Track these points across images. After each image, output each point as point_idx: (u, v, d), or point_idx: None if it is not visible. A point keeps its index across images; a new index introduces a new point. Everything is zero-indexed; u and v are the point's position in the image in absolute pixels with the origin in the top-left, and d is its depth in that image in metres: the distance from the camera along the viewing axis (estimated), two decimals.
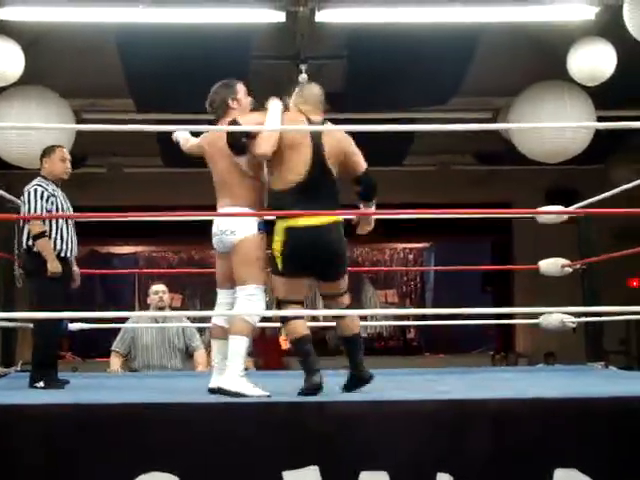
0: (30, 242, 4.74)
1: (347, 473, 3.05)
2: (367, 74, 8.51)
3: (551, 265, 6.16)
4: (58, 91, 8.85)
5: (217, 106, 4.32)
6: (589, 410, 3.23)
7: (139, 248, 14.09)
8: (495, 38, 8.46)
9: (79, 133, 8.82)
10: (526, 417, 3.18)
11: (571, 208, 6.00)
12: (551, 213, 5.87)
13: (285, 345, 12.86)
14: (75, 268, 5.06)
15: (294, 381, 4.43)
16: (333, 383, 4.75)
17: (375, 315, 12.42)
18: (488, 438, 3.11)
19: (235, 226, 4.02)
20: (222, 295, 4.21)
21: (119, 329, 6.46)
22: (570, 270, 6.20)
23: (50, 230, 4.76)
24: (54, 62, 9.05)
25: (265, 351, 12.13)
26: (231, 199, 4.10)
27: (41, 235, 4.69)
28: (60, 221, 4.81)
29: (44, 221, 4.74)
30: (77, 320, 5.78)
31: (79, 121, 9.29)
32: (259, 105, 4.51)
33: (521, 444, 3.12)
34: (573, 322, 5.98)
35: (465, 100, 9.43)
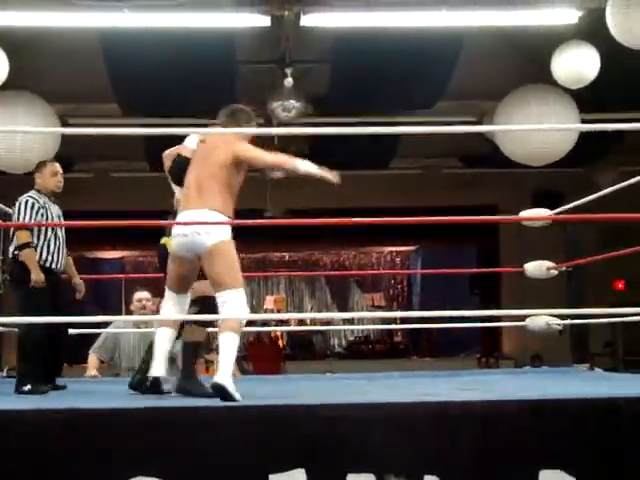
0: (17, 251, 4.78)
1: (334, 475, 3.05)
2: (352, 78, 8.54)
3: (536, 267, 6.18)
4: (43, 96, 8.83)
5: (229, 123, 4.26)
6: (574, 411, 3.25)
7: (126, 253, 14.06)
8: (480, 42, 8.50)
9: (65, 138, 8.82)
10: (511, 418, 3.19)
11: (557, 210, 6.02)
12: (532, 219, 5.89)
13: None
14: (77, 279, 5.13)
15: (289, 385, 4.46)
16: (312, 386, 4.78)
17: (362, 318, 12.44)
18: (474, 440, 3.12)
19: (210, 227, 3.97)
20: (173, 297, 4.18)
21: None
22: (556, 272, 6.23)
23: (38, 241, 4.80)
24: (39, 67, 9.03)
25: (262, 356, 12.13)
26: (206, 203, 4.03)
27: (26, 245, 4.75)
28: (49, 233, 4.86)
29: (32, 232, 4.78)
30: (62, 325, 5.75)
31: (64, 126, 9.27)
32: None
33: (507, 445, 3.13)
34: (559, 324, 6.00)
35: (450, 104, 9.47)
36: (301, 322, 13.37)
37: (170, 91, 8.48)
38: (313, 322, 12.51)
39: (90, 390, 4.77)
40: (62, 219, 5.07)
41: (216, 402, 3.56)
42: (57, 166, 5.08)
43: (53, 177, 5.01)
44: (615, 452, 3.18)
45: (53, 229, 4.88)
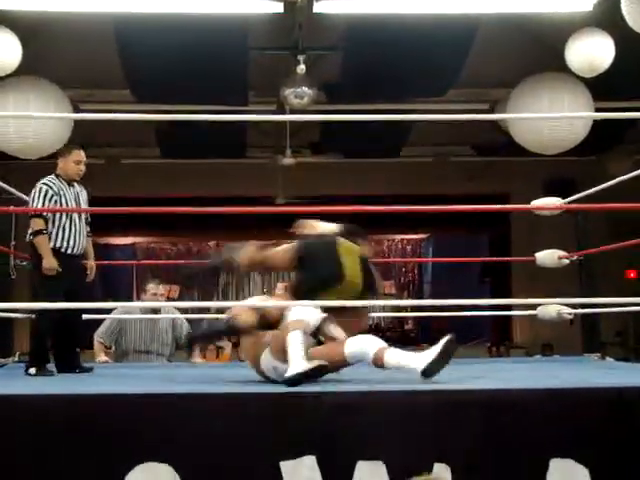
0: (31, 237, 4.84)
1: (344, 462, 3.05)
2: (365, 65, 8.51)
3: (547, 256, 6.17)
4: (56, 82, 8.84)
5: None
6: (585, 400, 3.24)
7: (137, 239, 14.10)
8: (493, 29, 8.46)
9: (77, 124, 8.82)
10: (522, 407, 3.19)
11: (568, 199, 6.00)
12: (544, 209, 5.87)
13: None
14: (91, 262, 5.16)
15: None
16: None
17: (373, 306, 12.41)
18: (484, 428, 3.12)
19: None
20: None
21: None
22: (567, 261, 6.21)
23: (53, 226, 4.85)
24: (52, 52, 9.04)
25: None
26: None
27: (39, 232, 4.81)
28: (63, 219, 4.91)
29: (46, 219, 4.84)
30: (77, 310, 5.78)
31: (77, 112, 9.28)
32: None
33: (517, 434, 3.13)
34: (570, 313, 5.99)
35: (463, 91, 9.44)
36: None
37: (183, 77, 8.47)
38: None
39: (101, 375, 4.79)
40: (82, 200, 5.11)
41: (231, 388, 3.56)
42: (82, 154, 5.10)
43: (76, 165, 5.05)
44: (626, 442, 3.17)
45: (68, 215, 4.91)
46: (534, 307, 6.17)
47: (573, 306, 6.02)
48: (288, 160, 10.68)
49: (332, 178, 11.68)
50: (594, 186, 5.62)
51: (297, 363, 3.65)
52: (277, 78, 8.98)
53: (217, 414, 3.10)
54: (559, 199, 5.98)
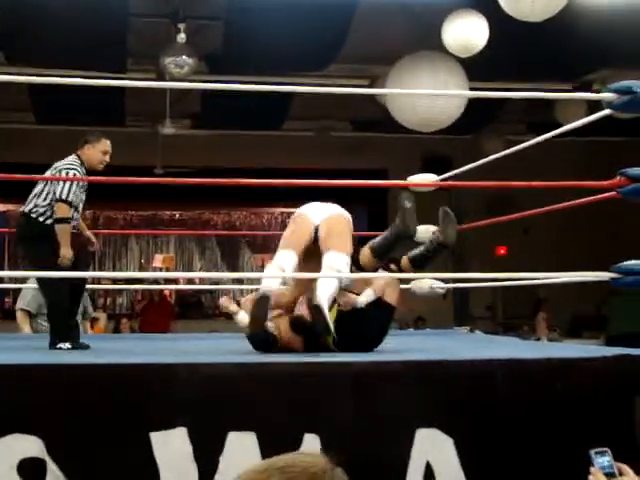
0: (49, 221, 4.66)
1: (215, 434, 3.06)
2: (245, 37, 8.44)
3: (422, 231, 6.29)
4: None
5: None
6: (450, 372, 3.35)
7: (8, 206, 13.66)
8: (374, 6, 8.52)
9: None
10: (390, 378, 3.27)
11: (443, 176, 6.14)
12: (419, 185, 6.00)
13: None
14: (87, 232, 5.08)
15: (173, 343, 4.43)
16: (196, 345, 4.80)
17: (251, 278, 12.44)
18: (352, 399, 3.18)
19: None
20: None
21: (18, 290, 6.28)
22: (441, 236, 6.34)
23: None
24: None
25: (151, 315, 12.07)
26: None
27: (63, 220, 4.64)
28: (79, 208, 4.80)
29: (73, 205, 4.70)
30: None
31: None
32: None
33: (385, 405, 3.21)
34: (442, 288, 6.14)
35: (343, 67, 9.50)
36: (190, 281, 13.31)
37: (59, 40, 8.22)
38: (202, 281, 12.48)
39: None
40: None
41: (101, 359, 3.51)
42: (109, 145, 4.94)
43: (103, 155, 4.89)
44: (489, 412, 3.29)
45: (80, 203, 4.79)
46: (408, 281, 6.30)
47: (445, 281, 6.18)
48: (168, 130, 10.53)
49: (212, 150, 11.58)
50: (469, 163, 5.77)
51: None
52: (157, 46, 8.82)
53: (86, 384, 3.06)
54: (435, 176, 6.11)
